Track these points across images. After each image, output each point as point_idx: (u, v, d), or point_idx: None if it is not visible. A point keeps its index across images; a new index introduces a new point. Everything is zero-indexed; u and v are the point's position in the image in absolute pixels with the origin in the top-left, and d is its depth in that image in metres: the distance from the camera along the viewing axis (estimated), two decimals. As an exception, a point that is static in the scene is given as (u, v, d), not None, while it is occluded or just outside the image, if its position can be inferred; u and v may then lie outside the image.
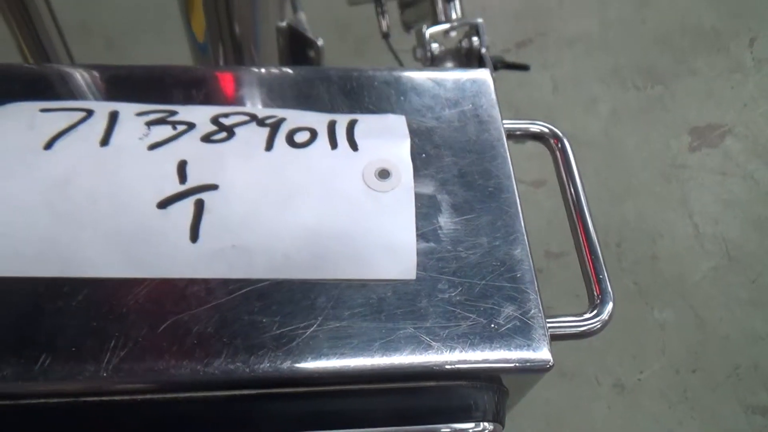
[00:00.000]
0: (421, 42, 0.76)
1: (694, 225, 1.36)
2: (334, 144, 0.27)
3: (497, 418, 0.27)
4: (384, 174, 0.26)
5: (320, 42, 0.53)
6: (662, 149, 1.46)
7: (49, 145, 0.25)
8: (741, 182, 1.42)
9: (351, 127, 0.28)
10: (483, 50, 0.77)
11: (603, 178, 1.40)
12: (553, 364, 0.26)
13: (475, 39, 0.78)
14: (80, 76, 0.30)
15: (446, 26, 0.75)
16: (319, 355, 0.25)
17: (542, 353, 0.26)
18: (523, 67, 0.80)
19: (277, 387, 0.24)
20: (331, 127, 0.28)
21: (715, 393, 1.18)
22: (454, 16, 0.76)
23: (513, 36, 1.61)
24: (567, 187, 0.37)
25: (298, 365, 0.24)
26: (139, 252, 0.24)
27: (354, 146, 0.27)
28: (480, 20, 0.77)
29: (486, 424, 0.27)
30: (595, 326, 0.31)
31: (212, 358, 0.24)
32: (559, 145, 0.38)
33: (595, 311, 0.31)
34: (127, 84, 0.31)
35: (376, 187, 0.26)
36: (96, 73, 0.31)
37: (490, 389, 0.26)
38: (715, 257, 1.32)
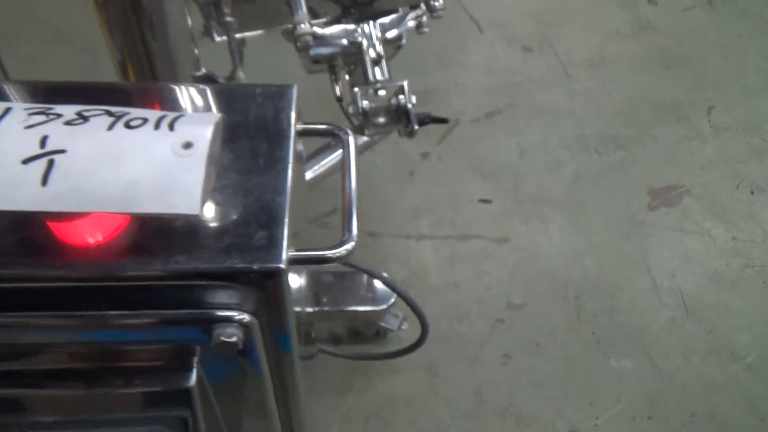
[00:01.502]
0: (354, 99, 0.89)
1: (652, 278, 1.42)
2: (157, 127, 0.39)
3: (255, 313, 0.37)
4: (188, 145, 0.38)
5: None
6: (622, 209, 1.54)
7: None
8: (698, 239, 1.48)
9: (176, 118, 0.40)
10: (409, 106, 0.90)
11: (565, 236, 1.48)
12: (285, 269, 0.36)
13: (402, 97, 0.90)
14: (2, 88, 0.44)
15: (373, 87, 0.88)
16: (121, 257, 0.36)
17: (279, 262, 0.36)
18: (444, 120, 0.92)
19: (92, 281, 0.35)
20: (160, 118, 0.39)
21: (670, 440, 1.20)
22: (380, 77, 0.89)
23: (484, 107, 1.75)
24: (346, 165, 0.47)
25: (108, 263, 0.35)
26: (6, 191, 0.35)
27: (172, 128, 0.39)
28: (405, 82, 0.90)
29: (245, 315, 0.37)
30: (338, 254, 0.41)
31: (46, 258, 0.35)
32: (345, 136, 0.49)
33: (339, 248, 0.41)
34: (35, 92, 0.44)
35: (180, 154, 0.37)
36: (17, 86, 0.44)
37: (249, 289, 0.36)
38: (673, 309, 1.37)
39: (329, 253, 0.42)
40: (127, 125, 0.38)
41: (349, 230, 0.44)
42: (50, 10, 1.90)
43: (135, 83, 0.49)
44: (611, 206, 1.54)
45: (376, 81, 0.89)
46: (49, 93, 0.44)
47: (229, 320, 0.38)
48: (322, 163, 1.00)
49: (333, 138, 0.50)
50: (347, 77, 1.01)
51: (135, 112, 0.39)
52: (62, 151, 0.36)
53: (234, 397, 0.44)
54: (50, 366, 0.40)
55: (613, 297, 1.39)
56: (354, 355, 1.17)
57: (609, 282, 1.41)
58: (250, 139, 0.43)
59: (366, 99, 0.90)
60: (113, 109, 0.40)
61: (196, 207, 0.36)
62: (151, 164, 0.36)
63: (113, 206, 0.36)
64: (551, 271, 1.42)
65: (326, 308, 1.20)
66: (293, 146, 0.43)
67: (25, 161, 0.36)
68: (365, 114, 0.90)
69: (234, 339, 0.38)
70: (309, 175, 0.95)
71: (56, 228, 0.37)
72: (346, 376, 1.26)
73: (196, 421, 0.40)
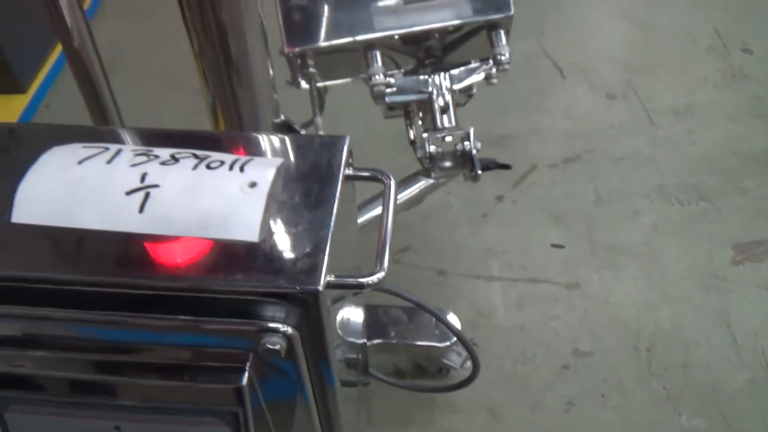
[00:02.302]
0: (422, 144, 0.96)
1: (731, 336, 1.36)
2: (231, 169, 0.47)
3: (297, 327, 0.44)
4: (253, 185, 0.46)
5: (302, 131, 0.75)
6: (703, 262, 1.49)
7: (80, 162, 0.48)
8: (786, 298, 1.41)
9: (246, 161, 0.48)
10: (473, 152, 0.95)
11: (639, 286, 1.46)
12: (323, 291, 0.42)
13: (467, 143, 0.96)
14: (118, 133, 0.54)
15: (440, 133, 0.94)
16: (192, 274, 0.44)
17: (318, 285, 0.43)
18: (507, 167, 0.96)
19: (163, 289, 0.43)
20: (234, 161, 0.48)
21: (743, 508, 1.14)
22: (447, 124, 0.95)
23: (562, 153, 1.76)
24: (385, 206, 0.53)
25: (181, 277, 0.44)
26: (112, 216, 0.45)
27: (242, 170, 0.47)
28: (471, 129, 0.95)
29: (289, 328, 0.44)
30: (368, 282, 0.47)
31: (132, 269, 0.44)
32: (387, 181, 0.55)
33: (370, 276, 0.47)
34: (143, 137, 0.54)
35: (246, 192, 0.46)
36: (129, 132, 0.55)
37: (293, 307, 0.43)
38: (754, 369, 1.31)
39: (362, 280, 0.49)
40: (208, 166, 0.47)
41: (381, 262, 0.50)
42: (166, 58, 2.12)
43: (218, 131, 0.59)
44: (691, 259, 1.49)
45: (444, 128, 0.95)
46: (152, 138, 0.56)
47: (275, 331, 0.46)
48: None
49: (377, 182, 0.57)
50: (421, 123, 1.08)
51: (215, 156, 0.49)
52: (156, 186, 0.46)
53: (282, 407, 0.51)
54: (130, 359, 0.48)
55: (687, 352, 1.34)
56: (396, 383, 1.20)
57: (684, 336, 1.36)
58: (305, 181, 0.51)
59: (434, 144, 0.96)
60: (199, 152, 0.49)
61: (254, 235, 0.44)
62: (222, 199, 0.45)
63: (191, 231, 0.45)
64: (622, 320, 1.40)
65: (393, 341, 1.25)
66: (340, 188, 0.50)
67: (128, 192, 0.46)
68: (432, 158, 0.96)
69: (277, 347, 0.46)
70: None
71: (148, 247, 0.46)
72: (407, 409, 1.29)
73: (246, 416, 0.48)
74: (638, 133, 1.79)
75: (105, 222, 0.45)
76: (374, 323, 1.22)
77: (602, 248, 1.54)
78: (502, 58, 0.93)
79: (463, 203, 1.65)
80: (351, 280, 0.48)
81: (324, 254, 0.46)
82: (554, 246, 1.55)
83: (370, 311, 1.19)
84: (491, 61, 0.94)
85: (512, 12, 0.91)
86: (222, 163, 0.48)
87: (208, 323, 0.47)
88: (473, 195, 1.65)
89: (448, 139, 0.95)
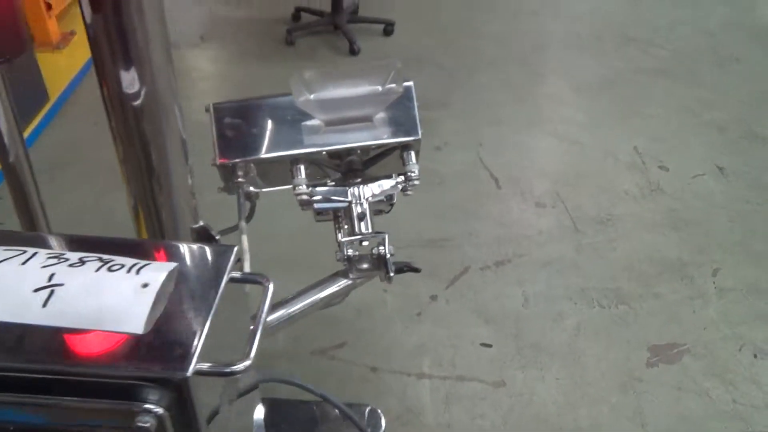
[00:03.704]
0: (340, 248, 1.05)
1: (646, 435, 1.42)
2: (129, 271, 0.55)
3: (168, 408, 0.51)
4: (145, 285, 0.54)
5: (218, 237, 0.84)
6: (621, 363, 1.58)
7: (-3, 264, 0.56)
8: (696, 398, 1.49)
9: (144, 265, 0.56)
10: (388, 256, 1.05)
11: (561, 385, 1.53)
12: (191, 377, 0.49)
13: (382, 248, 1.06)
14: (43, 238, 0.63)
15: (357, 237, 1.04)
16: (80, 360, 0.51)
17: (186, 372, 0.50)
18: (417, 270, 1.06)
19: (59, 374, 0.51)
20: (133, 264, 0.56)
21: None
22: (365, 230, 1.05)
23: (494, 256, 1.87)
24: (261, 305, 0.61)
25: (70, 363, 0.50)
26: (18, 310, 0.52)
27: (138, 273, 0.55)
28: (386, 235, 1.05)
29: (160, 408, 0.50)
30: (236, 370, 0.54)
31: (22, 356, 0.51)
32: (267, 283, 0.63)
33: (238, 365, 0.55)
34: (64, 242, 0.63)
35: (138, 291, 0.53)
36: (54, 238, 0.64)
37: (165, 390, 0.50)
38: (666, 469, 1.36)
39: (228, 369, 0.56)
40: (109, 269, 0.56)
41: (249, 353, 0.58)
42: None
43: (129, 239, 0.68)
44: (610, 360, 1.58)
45: (361, 234, 1.05)
46: (72, 243, 0.64)
47: (147, 411, 0.52)
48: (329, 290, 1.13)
49: (258, 284, 0.65)
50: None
51: (119, 260, 0.57)
52: (61, 285, 0.54)
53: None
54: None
55: (605, 451, 1.40)
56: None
57: (602, 435, 1.42)
58: (194, 283, 0.60)
59: (351, 248, 1.06)
60: (105, 256, 0.58)
61: (140, 329, 0.52)
62: (117, 297, 0.53)
63: (86, 325, 0.53)
64: (545, 418, 1.46)
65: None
66: (222, 290, 0.59)
67: (36, 290, 0.54)
68: (350, 260, 1.06)
69: (148, 425, 0.52)
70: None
71: (45, 338, 0.53)
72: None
73: None
74: (565, 240, 1.93)
75: (11, 315, 0.53)
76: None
77: (528, 348, 1.62)
78: (412, 174, 1.06)
79: (399, 301, 1.73)
80: (220, 369, 0.55)
81: (197, 345, 0.54)
82: (483, 345, 1.63)
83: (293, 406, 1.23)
84: (403, 177, 1.06)
85: (420, 136, 1.04)
86: (122, 266, 0.56)
87: (83, 403, 0.54)
88: (408, 293, 1.74)
89: (365, 243, 1.05)
